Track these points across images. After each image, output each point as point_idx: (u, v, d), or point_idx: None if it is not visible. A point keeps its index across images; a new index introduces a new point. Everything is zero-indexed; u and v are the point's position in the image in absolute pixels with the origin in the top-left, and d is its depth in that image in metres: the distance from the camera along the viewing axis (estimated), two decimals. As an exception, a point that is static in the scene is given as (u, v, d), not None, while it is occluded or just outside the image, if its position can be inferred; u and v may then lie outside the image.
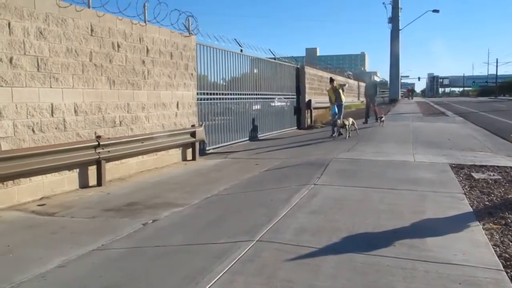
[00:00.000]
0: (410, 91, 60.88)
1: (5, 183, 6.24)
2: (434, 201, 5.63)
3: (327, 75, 26.06)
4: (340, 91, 14.69)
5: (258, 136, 15.40)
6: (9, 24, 6.31)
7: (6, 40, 6.26)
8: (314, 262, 3.67)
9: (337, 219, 4.88)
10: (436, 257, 3.71)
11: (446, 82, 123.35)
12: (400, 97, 51.68)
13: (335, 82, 15.07)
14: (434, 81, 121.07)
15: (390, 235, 4.29)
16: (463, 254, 3.78)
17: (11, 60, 6.33)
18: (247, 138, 14.60)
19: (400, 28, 47.50)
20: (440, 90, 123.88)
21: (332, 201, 5.64)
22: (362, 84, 46.42)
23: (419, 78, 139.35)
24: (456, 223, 4.70)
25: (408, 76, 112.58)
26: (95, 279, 3.64)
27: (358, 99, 39.54)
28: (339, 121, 13.43)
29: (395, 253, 3.81)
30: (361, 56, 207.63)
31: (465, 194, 5.96)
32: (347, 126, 13.31)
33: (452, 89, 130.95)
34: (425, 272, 3.42)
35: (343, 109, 14.94)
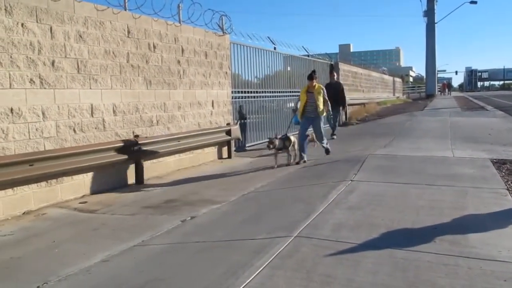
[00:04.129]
0: (446, 86, 58.82)
1: (49, 181, 6.46)
2: (476, 196, 5.50)
3: (362, 71, 25.81)
4: (319, 96, 9.21)
5: (292, 133, 15.35)
6: (51, 28, 6.52)
7: (48, 44, 6.47)
8: (353, 258, 3.65)
9: (375, 215, 4.83)
10: (480, 253, 3.63)
11: (485, 75, 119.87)
12: (437, 92, 50.49)
13: (315, 81, 9.29)
14: (472, 75, 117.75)
15: (430, 231, 4.22)
16: (508, 251, 3.68)
17: (53, 63, 6.54)
18: (282, 136, 14.56)
19: (435, 21, 46.43)
20: (479, 84, 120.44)
21: (369, 197, 5.59)
22: (398, 80, 45.72)
23: (456, 72, 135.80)
24: (499, 219, 4.58)
25: (445, 71, 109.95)
26: (138, 273, 3.73)
27: (394, 95, 38.92)
28: (276, 141, 8.86)
29: (436, 249, 3.75)
30: (396, 51, 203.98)
31: (508, 189, 5.79)
32: (289, 148, 9.14)
33: (492, 82, 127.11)
34: (468, 268, 3.36)
35: (321, 125, 9.36)
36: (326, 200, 5.49)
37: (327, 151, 9.42)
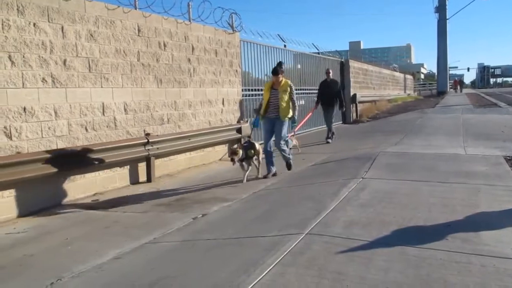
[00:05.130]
0: (458, 83, 58.10)
1: (61, 179, 6.52)
2: (488, 194, 5.45)
3: (372, 68, 25.67)
4: (284, 95, 7.64)
5: (303, 131, 15.33)
6: (62, 28, 6.57)
7: (60, 43, 6.52)
8: (364, 255, 3.63)
9: (387, 212, 4.81)
10: (493, 251, 3.59)
11: (497, 72, 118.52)
12: (448, 89, 50.07)
13: (282, 76, 7.73)
14: (484, 72, 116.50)
15: (442, 229, 4.19)
16: (521, 248, 3.65)
17: (64, 62, 6.59)
18: (292, 134, 14.55)
19: (447, 17, 46.04)
20: (492, 80, 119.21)
21: (381, 195, 5.56)
22: (409, 77, 45.41)
23: (468, 69, 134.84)
24: (513, 217, 4.54)
25: (456, 67, 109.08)
26: (149, 270, 3.75)
27: (405, 92, 38.68)
28: (239, 151, 7.37)
29: (449, 246, 3.72)
30: (407, 48, 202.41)
31: (521, 186, 5.73)
32: (253, 159, 7.79)
33: (505, 79, 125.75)
34: (481, 266, 3.33)
35: (284, 130, 7.76)
36: (337, 197, 5.48)
37: (288, 166, 8.00)
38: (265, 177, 7.69)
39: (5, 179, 5.60)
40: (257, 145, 7.88)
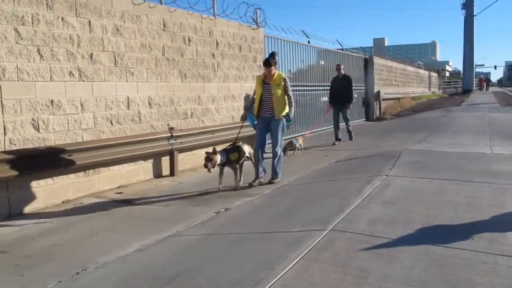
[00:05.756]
0: (484, 81, 56.78)
1: (86, 171, 6.62)
2: (516, 194, 5.35)
3: (397, 65, 25.37)
4: (278, 90, 6.78)
5: (327, 127, 15.26)
6: (89, 22, 6.66)
7: (87, 38, 6.61)
8: (388, 253, 3.60)
9: (411, 210, 4.76)
10: (520, 252, 3.53)
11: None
12: (474, 88, 49.10)
13: (275, 68, 6.88)
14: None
15: (468, 228, 4.12)
16: (550, 249, 3.57)
17: (91, 56, 6.68)
18: (315, 130, 14.52)
19: (474, 14, 45.09)
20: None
21: (405, 193, 5.50)
22: (434, 74, 44.73)
23: (495, 67, 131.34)
24: (541, 217, 4.45)
25: (483, 65, 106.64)
26: (173, 262, 3.79)
27: (429, 90, 38.11)
28: (218, 156, 6.36)
29: (474, 246, 3.66)
30: (432, 45, 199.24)
31: (550, 187, 5.60)
32: (240, 162, 6.83)
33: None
34: (508, 267, 3.27)
35: (280, 131, 6.91)
36: (361, 194, 5.44)
37: (273, 176, 6.98)
38: (250, 185, 6.73)
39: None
40: (246, 148, 6.94)
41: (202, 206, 5.77)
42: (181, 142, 8.05)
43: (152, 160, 7.77)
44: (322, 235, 4.01)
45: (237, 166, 6.69)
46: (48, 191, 6.08)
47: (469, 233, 3.98)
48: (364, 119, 19.03)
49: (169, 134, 7.83)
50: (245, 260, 3.65)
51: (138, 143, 7.27)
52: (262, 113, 6.93)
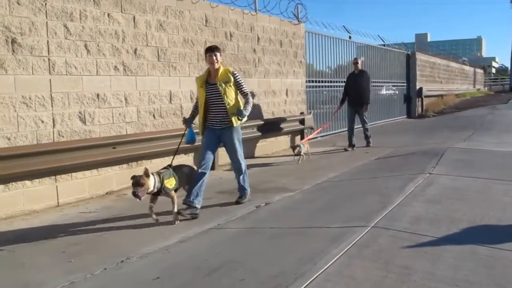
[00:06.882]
0: None
1: (130, 164, 6.77)
2: None
3: (440, 61, 24.73)
4: (228, 89, 5.26)
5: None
6: (134, 18, 6.80)
7: (131, 33, 6.75)
8: (433, 251, 3.52)
9: (456, 209, 4.64)
10: None
11: None
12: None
13: (220, 62, 5.30)
14: None
15: (517, 229, 3.99)
16: None
17: (135, 51, 6.81)
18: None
19: (524, 8, 43.35)
20: None
21: (449, 191, 5.36)
22: (479, 71, 43.34)
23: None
24: None
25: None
26: (214, 254, 3.83)
27: (474, 87, 36.96)
28: (149, 180, 4.60)
29: (525, 248, 3.53)
30: (477, 41, 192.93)
31: None
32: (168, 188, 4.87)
33: None
34: (562, 270, 3.14)
35: (237, 143, 5.56)
36: (403, 192, 5.34)
37: (241, 194, 5.67)
38: (179, 213, 4.95)
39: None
40: (186, 170, 5.32)
41: (242, 200, 5.79)
42: (221, 137, 8.09)
43: (193, 153, 7.86)
44: (364, 232, 3.96)
45: (175, 194, 4.93)
46: (92, 182, 6.26)
47: (519, 234, 3.85)
48: (406, 116, 18.66)
49: (210, 129, 7.88)
50: (286, 254, 3.65)
51: (180, 137, 7.34)
52: (210, 124, 5.42)
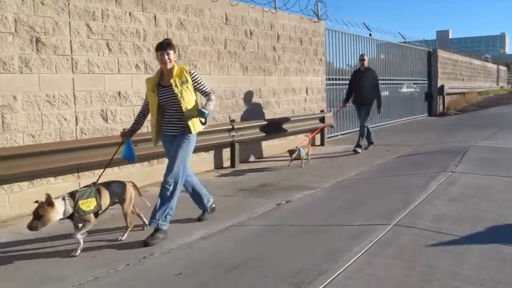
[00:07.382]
0: None
1: (151, 161, 6.84)
2: None
3: (462, 59, 24.37)
4: (185, 91, 4.42)
5: (387, 122, 14.92)
6: (155, 16, 6.85)
7: (152, 31, 6.80)
8: (456, 250, 3.49)
9: (479, 208, 4.57)
10: None
11: None
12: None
13: (173, 60, 4.46)
14: None
15: (543, 229, 3.92)
16: None
17: (156, 49, 6.86)
18: (375, 125, 14.22)
19: (549, 4, 42.44)
20: None
21: (472, 190, 5.29)
22: (502, 68, 42.57)
23: None
24: None
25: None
26: (236, 251, 3.85)
27: (497, 84, 36.36)
28: (53, 212, 3.71)
29: (551, 248, 3.47)
30: (501, 37, 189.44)
31: None
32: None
33: None
34: None
35: (184, 149, 4.52)
36: (425, 190, 5.28)
37: (156, 223, 4.29)
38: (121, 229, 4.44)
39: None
40: (132, 190, 4.61)
41: (263, 198, 5.81)
42: (242, 134, 8.12)
43: (213, 151, 7.90)
44: (386, 230, 3.93)
45: (92, 219, 4.05)
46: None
47: (545, 234, 3.78)
48: (427, 114, 18.45)
49: (231, 126, 7.92)
50: (307, 252, 3.65)
51: (200, 135, 7.38)
52: (166, 131, 4.67)
